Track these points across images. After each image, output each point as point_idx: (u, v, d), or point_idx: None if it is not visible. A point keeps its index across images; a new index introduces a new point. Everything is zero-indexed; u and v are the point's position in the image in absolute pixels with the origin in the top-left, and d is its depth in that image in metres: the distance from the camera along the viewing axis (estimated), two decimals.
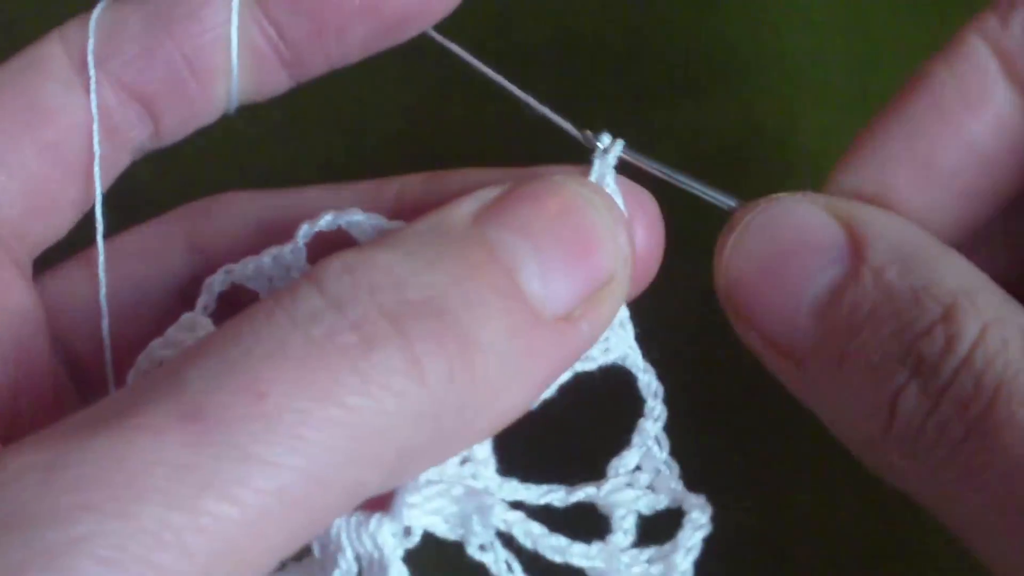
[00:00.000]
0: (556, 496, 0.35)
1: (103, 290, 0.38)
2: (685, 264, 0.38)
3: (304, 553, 0.33)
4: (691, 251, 0.38)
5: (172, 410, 0.27)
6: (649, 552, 0.35)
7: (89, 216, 0.38)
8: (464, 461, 0.34)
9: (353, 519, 0.32)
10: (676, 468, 0.36)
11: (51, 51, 0.38)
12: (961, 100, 0.35)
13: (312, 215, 0.36)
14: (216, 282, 0.36)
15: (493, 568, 0.34)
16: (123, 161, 0.39)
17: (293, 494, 0.27)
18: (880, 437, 0.33)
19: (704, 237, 0.37)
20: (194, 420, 0.27)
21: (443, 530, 0.34)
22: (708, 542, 0.38)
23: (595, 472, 0.36)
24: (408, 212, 0.36)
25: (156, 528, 0.26)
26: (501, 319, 0.30)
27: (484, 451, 0.35)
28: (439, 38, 0.39)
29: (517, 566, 0.34)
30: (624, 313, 0.36)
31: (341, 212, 0.36)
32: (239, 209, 0.40)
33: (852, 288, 0.34)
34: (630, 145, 0.38)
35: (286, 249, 0.36)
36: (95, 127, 0.37)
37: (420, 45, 0.40)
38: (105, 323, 0.38)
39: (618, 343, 0.36)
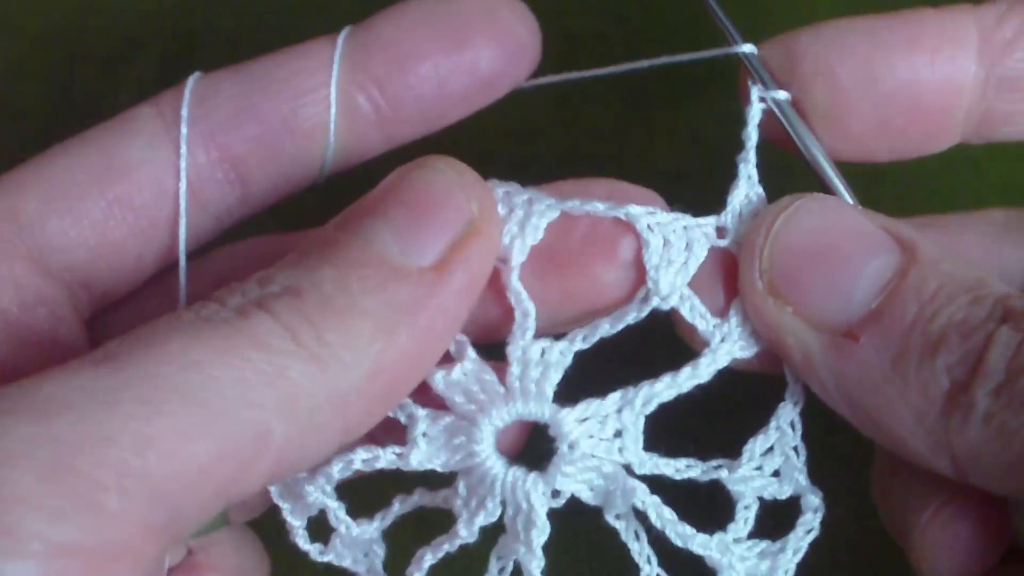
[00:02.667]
0: (694, 472, 0.39)
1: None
2: None
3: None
4: None
5: (85, 357, 0.32)
6: (760, 546, 0.39)
7: None
8: (617, 434, 0.38)
9: (510, 473, 0.37)
10: (803, 455, 0.39)
11: (143, 112, 0.39)
12: (933, 44, 0.38)
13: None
14: None
15: (624, 534, 0.39)
16: (204, 224, 0.40)
17: (195, 421, 0.31)
18: (963, 386, 0.34)
19: None
20: (105, 359, 0.31)
21: (587, 497, 0.38)
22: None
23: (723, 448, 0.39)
24: None
25: (67, 434, 0.30)
26: (358, 281, 0.34)
27: (636, 428, 0.38)
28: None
29: (644, 536, 0.39)
30: None
31: None
32: (268, 251, 0.40)
33: (915, 269, 0.35)
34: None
35: None
36: (182, 185, 0.38)
37: None
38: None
39: None
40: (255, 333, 0.32)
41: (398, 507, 0.39)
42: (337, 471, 0.38)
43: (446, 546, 0.39)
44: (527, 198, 0.38)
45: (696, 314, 0.38)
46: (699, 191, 0.40)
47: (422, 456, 0.38)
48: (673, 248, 0.38)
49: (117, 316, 0.40)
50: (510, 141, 0.42)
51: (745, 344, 0.38)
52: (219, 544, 0.41)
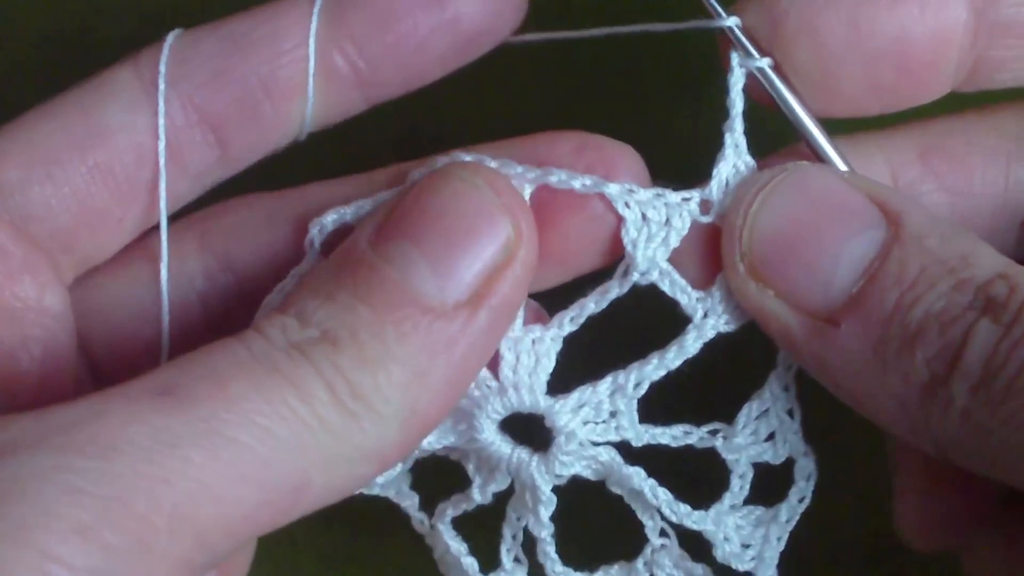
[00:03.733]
0: (691, 439, 0.40)
1: (165, 307, 0.40)
2: None
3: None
4: None
5: (147, 387, 0.32)
6: (755, 513, 0.40)
7: None
8: (612, 414, 0.39)
9: (514, 455, 0.39)
10: (798, 418, 0.39)
11: (121, 75, 0.39)
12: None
13: (314, 209, 0.39)
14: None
15: (627, 498, 0.40)
16: (184, 187, 0.39)
17: (246, 470, 0.32)
18: (941, 380, 0.34)
19: None
20: (165, 394, 0.32)
21: (588, 474, 0.40)
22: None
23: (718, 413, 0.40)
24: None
25: (127, 472, 0.30)
26: (393, 326, 0.34)
27: (630, 408, 0.39)
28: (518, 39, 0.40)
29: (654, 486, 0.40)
30: None
31: (345, 207, 0.38)
32: (247, 211, 0.40)
33: (897, 249, 0.35)
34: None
35: (303, 265, 0.39)
36: (161, 148, 0.38)
37: None
38: (165, 333, 0.40)
39: None
40: (302, 384, 0.33)
41: (417, 453, 0.40)
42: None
43: (464, 505, 0.40)
44: (518, 172, 0.38)
45: (677, 288, 0.38)
46: None
47: (432, 438, 0.39)
48: (652, 223, 0.38)
49: (98, 278, 0.40)
50: (506, 137, 0.41)
51: (730, 318, 0.38)
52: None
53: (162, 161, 0.38)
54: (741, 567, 0.39)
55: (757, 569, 0.40)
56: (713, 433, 0.40)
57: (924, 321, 0.34)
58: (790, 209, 0.36)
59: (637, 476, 0.39)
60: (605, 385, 0.39)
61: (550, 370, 0.39)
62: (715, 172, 0.38)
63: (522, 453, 0.39)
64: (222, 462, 0.31)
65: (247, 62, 0.38)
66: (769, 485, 0.40)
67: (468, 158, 0.38)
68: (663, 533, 0.41)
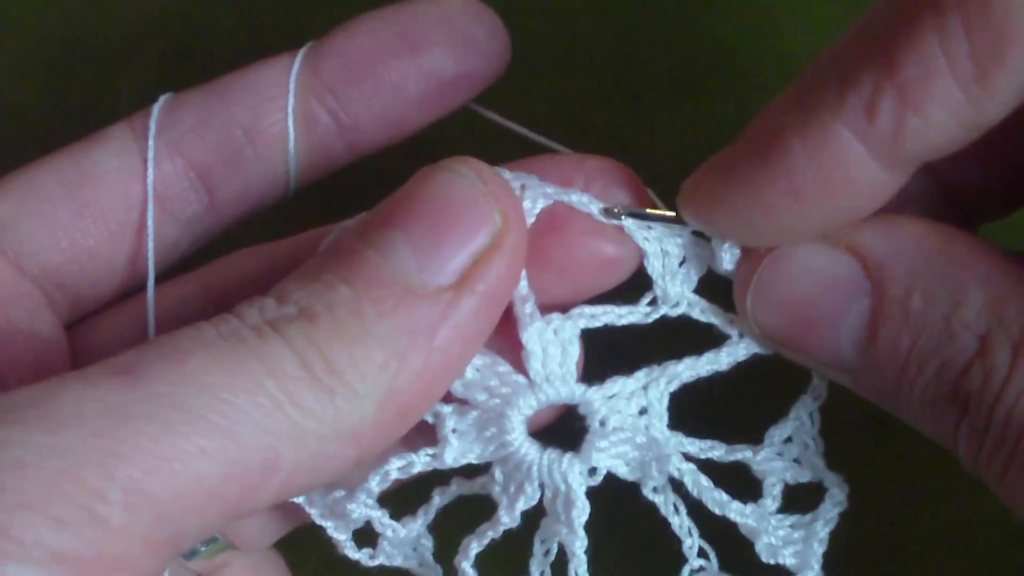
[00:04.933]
0: (717, 452, 0.40)
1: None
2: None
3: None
4: None
5: (104, 368, 0.32)
6: (792, 519, 0.40)
7: None
8: (642, 412, 0.39)
9: (545, 456, 0.38)
10: (821, 445, 0.40)
11: (116, 128, 0.40)
12: (823, 187, 0.34)
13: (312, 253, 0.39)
14: None
15: (662, 508, 0.39)
16: (175, 232, 0.40)
17: (206, 443, 0.31)
18: (955, 449, 0.35)
19: None
20: (123, 372, 0.31)
21: (623, 472, 0.39)
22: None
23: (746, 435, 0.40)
24: None
25: (76, 446, 0.30)
26: (372, 305, 0.34)
27: (661, 405, 0.39)
28: (482, 111, 0.41)
29: (683, 508, 0.39)
30: None
31: (350, 221, 0.37)
32: (247, 261, 0.41)
33: (885, 325, 0.35)
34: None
35: None
36: (150, 189, 0.39)
37: None
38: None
39: None
40: (270, 358, 0.32)
41: (438, 500, 0.40)
42: (376, 484, 0.38)
43: (490, 532, 0.39)
44: (520, 184, 0.38)
45: (709, 314, 0.39)
46: None
47: (456, 453, 0.38)
48: (672, 258, 0.39)
49: (97, 323, 0.41)
50: (508, 143, 0.41)
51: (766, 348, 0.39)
52: (232, 567, 0.41)
53: (150, 188, 0.39)
54: (783, 561, 0.39)
55: (800, 566, 0.39)
56: (738, 450, 0.40)
57: (923, 410, 0.35)
58: (776, 304, 0.37)
59: (676, 459, 0.39)
60: (639, 376, 0.39)
61: (576, 357, 0.39)
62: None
63: (552, 454, 0.38)
64: (179, 435, 0.31)
65: (229, 111, 0.39)
66: (800, 494, 0.40)
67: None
68: (701, 553, 0.40)
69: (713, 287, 0.39)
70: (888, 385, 0.35)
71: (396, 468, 0.38)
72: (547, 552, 0.39)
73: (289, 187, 0.40)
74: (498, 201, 0.35)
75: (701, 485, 0.39)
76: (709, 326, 0.39)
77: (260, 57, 0.41)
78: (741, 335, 0.39)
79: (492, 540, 0.39)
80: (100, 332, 0.41)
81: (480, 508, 0.40)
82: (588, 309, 0.39)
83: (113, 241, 0.39)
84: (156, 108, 0.39)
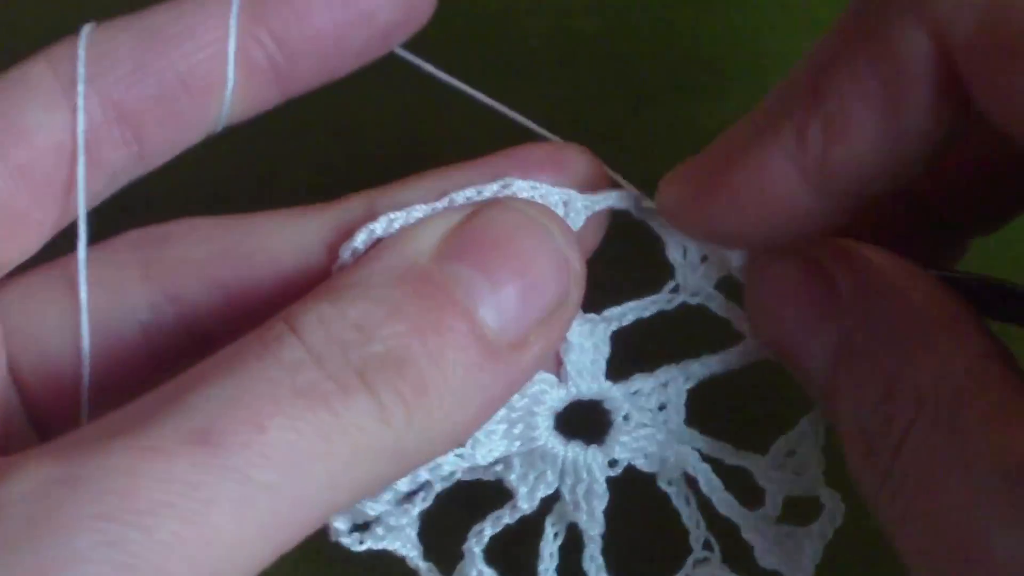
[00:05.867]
0: (725, 455, 0.40)
1: (84, 317, 0.38)
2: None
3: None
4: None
5: (181, 434, 0.30)
6: (787, 528, 0.40)
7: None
8: (661, 408, 0.40)
9: (569, 449, 0.39)
10: (823, 462, 0.40)
11: (36, 71, 0.37)
12: (754, 197, 0.35)
13: (278, 246, 0.38)
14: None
15: (675, 499, 0.40)
16: (101, 185, 0.38)
17: (283, 514, 0.31)
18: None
19: None
20: (201, 444, 0.30)
21: (642, 464, 0.40)
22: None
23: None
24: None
25: (169, 539, 0.29)
26: (458, 362, 0.33)
27: (680, 401, 0.40)
28: (409, 56, 0.40)
29: (694, 501, 0.40)
30: None
31: (373, 223, 0.37)
32: (196, 237, 0.39)
33: (844, 367, 0.35)
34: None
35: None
36: (80, 148, 0.37)
37: (419, 48, 0.40)
38: (85, 345, 0.38)
39: None
40: (352, 416, 0.32)
41: (438, 485, 0.39)
42: (404, 486, 0.38)
43: (506, 518, 0.39)
44: (563, 201, 0.38)
45: (726, 310, 0.39)
46: None
47: (484, 451, 0.38)
48: (693, 252, 0.39)
49: (27, 295, 0.39)
50: (509, 142, 0.41)
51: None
52: None
53: (81, 166, 0.37)
54: (778, 568, 0.40)
55: (794, 572, 0.40)
56: (744, 455, 0.40)
57: (869, 443, 0.34)
58: (759, 326, 0.38)
59: (694, 458, 0.40)
60: (661, 373, 0.39)
61: (607, 356, 0.39)
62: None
63: (576, 447, 0.39)
64: (261, 513, 0.30)
65: (166, 57, 0.37)
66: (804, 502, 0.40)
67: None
68: (707, 545, 0.40)
69: (731, 291, 0.39)
70: (855, 407, 0.35)
71: (425, 471, 0.38)
72: (556, 535, 0.40)
73: (217, 129, 0.39)
74: (573, 259, 0.36)
75: (713, 485, 0.40)
76: (726, 324, 0.39)
77: None
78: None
79: (506, 526, 0.39)
80: (34, 311, 0.39)
81: (471, 501, 0.40)
82: (617, 310, 0.39)
83: (43, 203, 0.37)
84: (81, 49, 0.37)
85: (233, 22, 0.37)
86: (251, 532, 0.30)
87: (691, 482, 0.40)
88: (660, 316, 0.40)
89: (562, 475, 0.39)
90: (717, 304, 0.40)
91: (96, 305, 0.39)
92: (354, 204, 0.39)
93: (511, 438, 0.38)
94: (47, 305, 0.38)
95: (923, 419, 0.33)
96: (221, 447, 0.30)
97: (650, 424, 0.40)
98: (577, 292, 0.36)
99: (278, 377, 0.32)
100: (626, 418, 0.39)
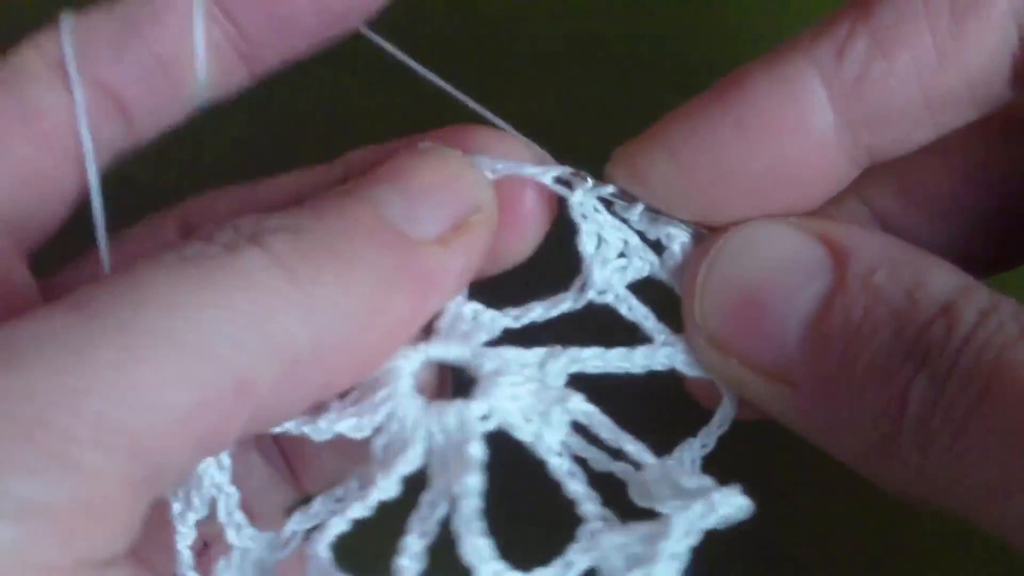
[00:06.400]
0: (567, 305, 0.37)
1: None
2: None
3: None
4: None
5: (59, 304, 0.30)
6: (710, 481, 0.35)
7: (85, 221, 0.39)
8: (541, 367, 0.36)
9: (432, 407, 0.34)
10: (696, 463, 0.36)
11: (28, 58, 0.39)
12: (776, 124, 0.33)
13: (289, 198, 0.38)
14: None
15: (557, 473, 0.35)
16: (102, 159, 0.39)
17: (176, 367, 0.29)
18: (891, 438, 0.32)
19: None
20: (80, 307, 0.30)
21: (517, 421, 0.35)
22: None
23: None
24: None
25: (39, 388, 0.28)
26: (365, 236, 0.33)
27: (557, 384, 0.36)
28: (372, 36, 0.40)
29: (580, 475, 0.35)
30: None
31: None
32: (224, 203, 0.40)
33: (840, 296, 0.33)
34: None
35: None
36: (81, 121, 0.38)
37: (419, 47, 0.40)
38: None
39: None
40: (244, 270, 0.31)
41: (298, 521, 0.35)
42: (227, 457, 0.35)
43: (358, 507, 0.33)
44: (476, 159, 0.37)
45: (637, 314, 0.37)
46: None
47: (327, 422, 0.35)
48: (610, 247, 0.37)
49: (69, 272, 0.40)
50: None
51: (689, 362, 0.36)
52: None
53: (87, 135, 0.38)
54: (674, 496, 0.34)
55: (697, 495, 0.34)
56: (580, 292, 0.37)
57: (865, 376, 0.32)
58: (735, 274, 0.35)
59: (576, 400, 0.35)
60: (537, 352, 0.36)
61: (484, 341, 0.36)
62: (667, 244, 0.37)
63: (440, 404, 0.34)
64: (145, 361, 0.29)
65: (141, 40, 0.39)
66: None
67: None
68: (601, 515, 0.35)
69: (649, 299, 0.37)
70: (831, 365, 0.33)
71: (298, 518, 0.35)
72: (424, 532, 0.33)
73: (194, 109, 0.40)
74: (484, 184, 0.36)
75: (606, 425, 0.35)
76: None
77: None
78: (665, 343, 0.36)
79: (367, 519, 0.34)
80: (73, 283, 0.39)
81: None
82: (513, 310, 0.37)
83: (64, 172, 0.39)
84: (65, 35, 0.39)
85: (198, 6, 0.38)
86: (137, 380, 0.29)
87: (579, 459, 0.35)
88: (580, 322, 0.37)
89: (429, 443, 0.34)
90: (627, 307, 0.37)
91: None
92: (353, 159, 0.40)
93: (368, 411, 0.35)
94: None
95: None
96: (99, 306, 0.29)
97: (523, 376, 0.35)
98: (491, 206, 0.36)
99: (164, 255, 0.31)
100: (495, 372, 0.35)
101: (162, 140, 0.41)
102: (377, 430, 0.35)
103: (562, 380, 0.36)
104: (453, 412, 0.34)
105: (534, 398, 0.35)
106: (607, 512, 0.34)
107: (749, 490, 0.41)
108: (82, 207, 0.39)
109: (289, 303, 0.31)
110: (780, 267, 0.34)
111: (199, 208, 0.41)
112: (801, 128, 0.33)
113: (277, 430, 0.35)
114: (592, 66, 0.51)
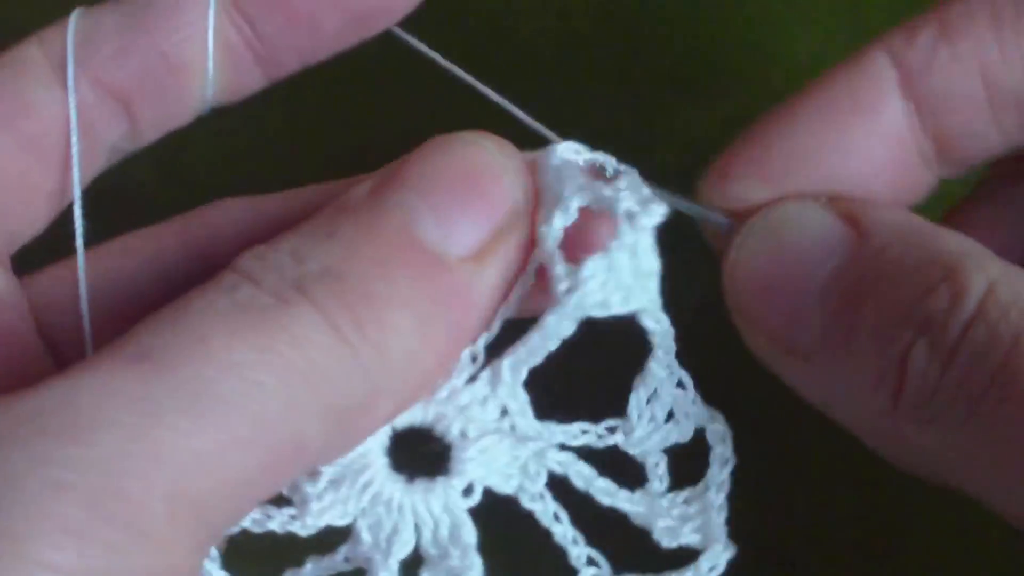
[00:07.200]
0: (590, 437, 0.36)
1: (83, 287, 0.37)
2: (680, 273, 0.38)
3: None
4: (688, 259, 0.38)
5: (119, 356, 0.29)
6: (684, 494, 0.37)
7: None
8: (503, 414, 0.36)
9: (415, 488, 0.35)
10: (691, 387, 0.36)
11: (29, 53, 0.38)
12: (851, 106, 0.35)
13: (306, 210, 0.36)
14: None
15: (543, 519, 0.36)
16: (99, 160, 0.39)
17: (240, 431, 0.29)
18: (891, 406, 0.32)
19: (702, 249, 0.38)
20: (143, 360, 0.29)
21: (499, 482, 0.35)
22: (603, 537, 0.37)
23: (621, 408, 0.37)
24: None
25: (112, 455, 0.28)
26: (400, 269, 0.32)
27: (519, 400, 0.36)
28: (406, 36, 0.39)
29: (565, 516, 0.36)
30: (654, 265, 0.35)
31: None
32: (235, 214, 0.39)
33: (854, 267, 0.34)
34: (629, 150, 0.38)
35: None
36: (73, 121, 0.37)
37: (419, 32, 0.40)
38: (85, 319, 0.37)
39: (640, 293, 0.35)
40: (297, 327, 0.30)
41: None
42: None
43: None
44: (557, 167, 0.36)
45: (547, 256, 0.35)
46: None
47: (315, 512, 0.34)
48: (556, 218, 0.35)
49: (59, 272, 0.39)
50: (509, 132, 0.41)
51: (601, 302, 0.35)
52: None
53: (75, 137, 0.37)
54: (684, 541, 0.36)
55: (705, 541, 0.36)
56: (611, 430, 0.37)
57: (871, 342, 0.33)
58: (758, 254, 0.35)
59: (552, 452, 0.36)
60: (483, 377, 0.35)
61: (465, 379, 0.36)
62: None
63: (422, 482, 0.35)
64: (213, 426, 0.29)
65: (147, 38, 0.37)
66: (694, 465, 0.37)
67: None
68: (591, 561, 0.36)
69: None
70: (840, 335, 0.33)
71: (251, 519, 0.34)
72: None
73: (204, 110, 0.39)
74: (520, 177, 0.35)
75: (584, 475, 0.36)
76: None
77: None
78: (568, 290, 0.34)
79: None
80: (59, 284, 0.38)
81: None
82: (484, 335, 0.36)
83: (51, 175, 0.37)
84: (71, 32, 0.38)
85: (212, 6, 0.37)
86: (205, 445, 0.29)
87: (560, 490, 0.36)
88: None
89: (417, 526, 0.35)
90: (650, 312, 0.35)
91: (133, 274, 0.38)
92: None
93: (343, 499, 0.35)
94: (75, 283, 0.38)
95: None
96: (162, 362, 0.29)
97: (493, 432, 0.35)
98: (526, 208, 0.35)
99: (215, 298, 0.31)
100: (463, 434, 0.35)
101: (158, 142, 0.40)
102: (360, 512, 0.35)
103: (520, 391, 0.36)
104: (436, 495, 0.35)
105: (509, 455, 0.36)
106: (596, 554, 0.36)
107: (750, 490, 0.41)
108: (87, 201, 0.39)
109: (338, 360, 0.31)
110: (803, 246, 0.35)
111: (203, 220, 0.40)
112: (879, 112, 0.35)
113: (264, 527, 0.35)
114: (591, 66, 0.51)
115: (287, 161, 0.47)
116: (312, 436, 0.31)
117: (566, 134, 0.41)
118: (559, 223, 0.35)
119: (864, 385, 0.33)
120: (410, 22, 0.41)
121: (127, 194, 0.40)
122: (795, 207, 0.36)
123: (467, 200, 0.34)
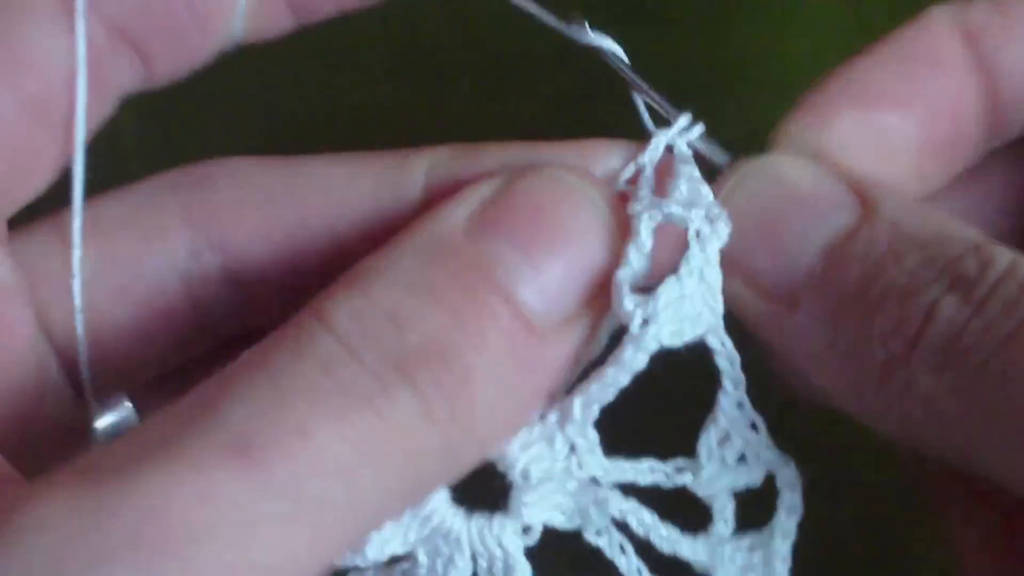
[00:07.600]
0: (658, 476, 0.36)
1: (77, 281, 0.36)
2: None
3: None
4: None
5: (218, 448, 0.28)
6: (748, 539, 0.36)
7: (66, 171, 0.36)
8: (572, 450, 0.35)
9: (473, 523, 0.34)
10: (764, 430, 0.36)
11: None
12: (916, 63, 0.36)
13: (327, 189, 0.36)
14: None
15: (608, 552, 0.35)
16: (106, 109, 0.36)
17: (334, 528, 0.29)
18: (904, 352, 0.32)
19: None
20: (241, 456, 0.28)
21: (561, 522, 0.35)
22: (666, 571, 0.37)
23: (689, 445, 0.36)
24: (438, 192, 0.35)
25: (212, 568, 0.27)
26: (498, 344, 0.31)
27: (588, 438, 0.35)
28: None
29: (630, 548, 0.35)
30: (718, 279, 0.35)
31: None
32: (243, 180, 0.37)
33: (867, 229, 0.33)
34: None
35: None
36: (80, 82, 0.35)
37: (418, 45, 0.40)
38: (78, 301, 0.36)
39: (709, 315, 0.35)
40: (398, 417, 0.30)
41: None
42: None
43: None
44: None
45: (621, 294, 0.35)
46: None
47: (377, 545, 0.34)
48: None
49: (60, 250, 0.36)
50: (517, 126, 0.41)
51: (675, 331, 0.34)
52: None
53: (82, 106, 0.35)
54: None
55: None
56: (679, 470, 0.36)
57: (883, 295, 0.32)
58: (755, 196, 0.35)
59: (615, 500, 0.35)
60: (552, 417, 0.35)
61: None
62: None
63: (480, 520, 0.35)
64: (311, 529, 0.28)
65: None
66: (759, 507, 0.37)
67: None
68: None
69: None
70: (844, 287, 0.33)
71: None
72: None
73: (226, 49, 0.37)
74: (615, 234, 0.34)
75: (646, 524, 0.35)
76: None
77: None
78: (644, 323, 0.34)
79: None
80: (49, 253, 0.36)
81: None
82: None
83: (53, 134, 0.35)
84: None
85: None
86: (300, 551, 0.28)
87: (623, 524, 0.36)
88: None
89: (473, 557, 0.35)
90: (715, 331, 0.35)
91: (132, 252, 0.37)
92: (422, 159, 0.36)
93: (403, 528, 0.34)
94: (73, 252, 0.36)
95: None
96: (264, 460, 0.28)
97: (557, 475, 0.35)
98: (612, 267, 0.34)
99: (315, 376, 0.30)
100: (525, 476, 0.35)
101: (159, 133, 0.39)
102: (422, 540, 0.35)
103: (590, 430, 0.35)
104: (493, 533, 0.34)
105: (571, 500, 0.35)
106: None
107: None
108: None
109: (427, 443, 0.31)
110: (805, 196, 0.35)
111: (212, 181, 0.37)
112: (945, 67, 0.36)
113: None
114: (587, 65, 0.51)
115: (288, 114, 0.46)
116: (393, 511, 0.32)
117: (566, 134, 0.41)
118: (636, 263, 0.34)
119: (871, 335, 0.32)
120: (410, 22, 0.41)
121: (112, 143, 0.38)
122: (788, 159, 0.36)
123: (569, 265, 0.33)
